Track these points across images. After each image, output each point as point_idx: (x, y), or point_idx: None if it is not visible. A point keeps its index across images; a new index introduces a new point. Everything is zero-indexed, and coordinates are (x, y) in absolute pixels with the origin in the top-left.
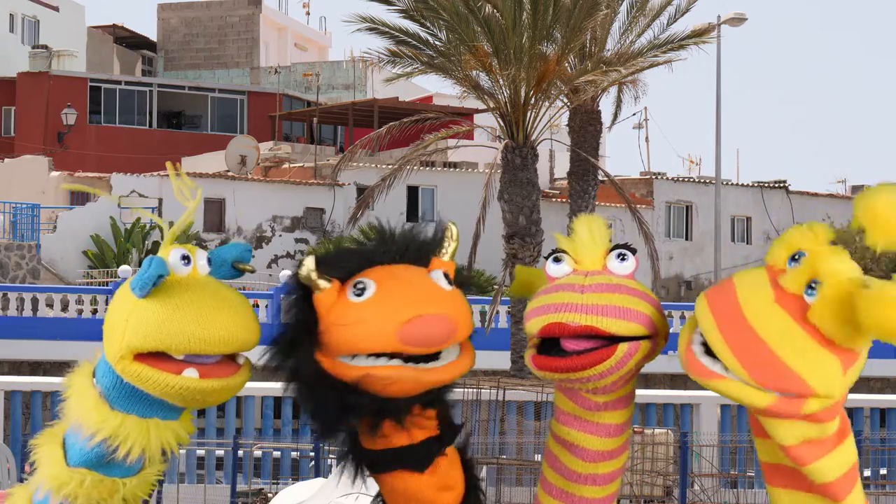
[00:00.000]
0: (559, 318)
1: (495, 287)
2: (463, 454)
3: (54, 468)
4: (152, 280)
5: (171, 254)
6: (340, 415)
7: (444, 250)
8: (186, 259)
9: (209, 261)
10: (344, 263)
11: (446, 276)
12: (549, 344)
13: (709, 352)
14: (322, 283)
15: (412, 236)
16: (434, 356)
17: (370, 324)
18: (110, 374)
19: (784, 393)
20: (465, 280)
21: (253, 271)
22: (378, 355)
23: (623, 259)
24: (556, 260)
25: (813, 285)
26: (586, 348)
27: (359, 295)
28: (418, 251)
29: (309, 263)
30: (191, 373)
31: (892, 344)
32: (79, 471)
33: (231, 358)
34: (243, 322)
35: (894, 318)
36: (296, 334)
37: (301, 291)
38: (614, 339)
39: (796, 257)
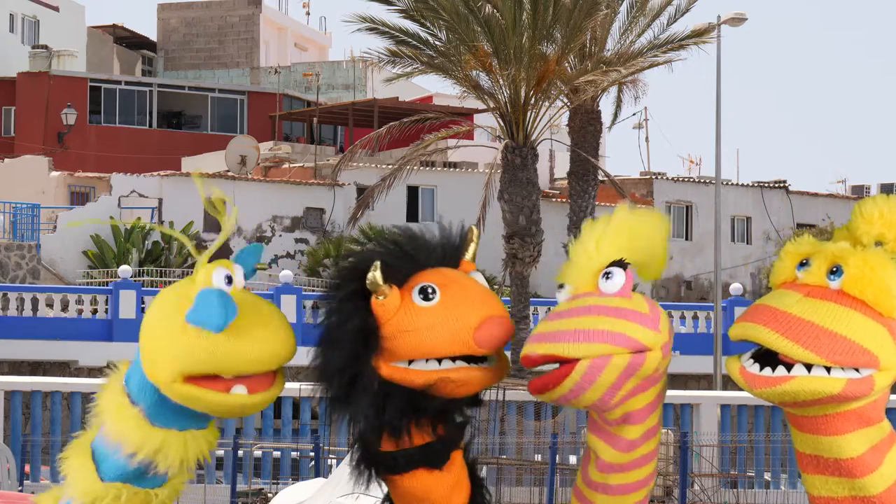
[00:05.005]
0: (526, 349)
1: (495, 287)
2: (466, 454)
3: (88, 483)
4: (231, 321)
5: (214, 275)
6: (401, 417)
7: (469, 252)
8: (230, 280)
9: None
10: (400, 269)
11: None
12: None
13: (761, 366)
14: (388, 290)
15: (446, 239)
16: (484, 357)
17: (444, 328)
18: (152, 393)
19: (854, 368)
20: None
21: (265, 268)
22: (442, 359)
23: (608, 278)
24: (560, 286)
25: (834, 269)
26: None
27: (426, 300)
28: (452, 253)
29: (377, 272)
30: (239, 389)
31: None
32: (115, 485)
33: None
34: (285, 337)
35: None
36: (355, 342)
37: (352, 298)
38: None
39: (804, 262)
